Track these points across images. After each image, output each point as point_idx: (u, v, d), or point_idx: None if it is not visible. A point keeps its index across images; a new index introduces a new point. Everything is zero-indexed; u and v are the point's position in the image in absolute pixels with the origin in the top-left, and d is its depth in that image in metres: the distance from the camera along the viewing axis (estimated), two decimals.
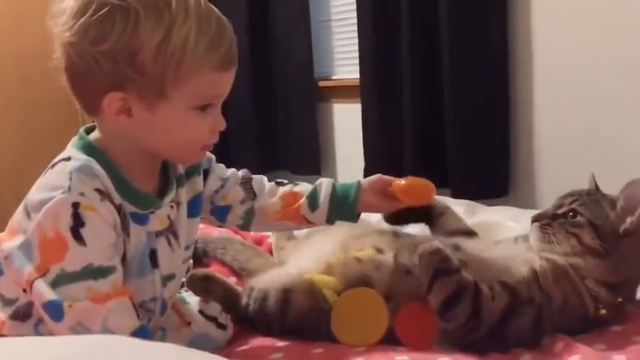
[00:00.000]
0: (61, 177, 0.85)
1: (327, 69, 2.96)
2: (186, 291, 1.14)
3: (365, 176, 2.66)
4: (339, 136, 2.94)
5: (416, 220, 1.19)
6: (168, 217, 0.97)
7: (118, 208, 0.88)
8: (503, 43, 2.21)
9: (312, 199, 1.10)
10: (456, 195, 2.15)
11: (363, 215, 1.15)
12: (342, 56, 2.89)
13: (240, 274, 1.28)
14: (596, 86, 2.04)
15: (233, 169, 1.14)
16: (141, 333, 0.85)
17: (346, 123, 2.85)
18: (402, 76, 2.43)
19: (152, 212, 0.93)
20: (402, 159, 2.49)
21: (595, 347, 0.93)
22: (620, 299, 1.03)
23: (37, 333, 0.90)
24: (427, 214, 1.19)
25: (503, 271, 1.00)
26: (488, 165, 2.26)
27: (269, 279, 1.11)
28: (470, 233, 1.19)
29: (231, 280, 1.24)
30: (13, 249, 0.86)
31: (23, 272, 0.84)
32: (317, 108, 2.94)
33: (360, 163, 2.63)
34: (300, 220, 1.11)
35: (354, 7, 2.60)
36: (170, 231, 0.97)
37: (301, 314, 1.05)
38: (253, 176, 1.15)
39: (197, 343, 1.04)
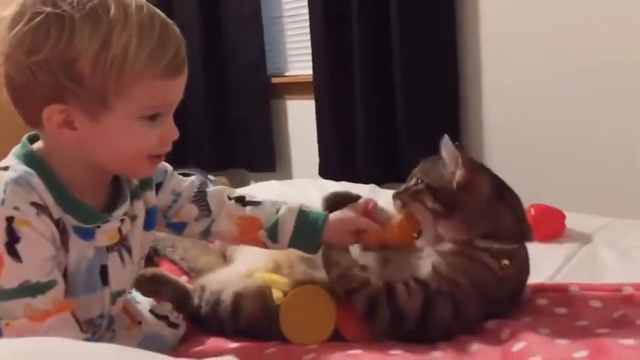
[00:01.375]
0: None
1: (280, 65, 2.95)
2: (136, 290, 1.12)
3: (320, 173, 2.68)
4: (293, 132, 2.93)
5: None
6: (120, 230, 0.93)
7: (57, 222, 0.84)
8: (453, 38, 2.24)
9: (272, 232, 1.07)
10: None
11: (313, 206, 1.14)
12: (295, 52, 2.88)
13: (189, 273, 1.27)
14: (545, 83, 2.08)
15: (191, 180, 1.09)
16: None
17: (300, 119, 2.85)
18: (354, 72, 2.45)
19: (98, 227, 0.89)
20: (355, 155, 2.50)
21: (540, 332, 0.95)
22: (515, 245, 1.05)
23: None
24: None
25: (416, 267, 1.03)
26: None
27: (220, 281, 1.10)
28: None
29: (182, 279, 1.22)
30: None
31: None
32: (270, 105, 2.93)
33: (314, 159, 2.63)
34: (260, 245, 1.09)
35: (306, 3, 2.60)
36: (122, 245, 0.94)
37: (253, 317, 1.05)
38: (209, 189, 1.09)
39: (148, 342, 1.02)
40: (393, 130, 2.37)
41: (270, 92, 2.92)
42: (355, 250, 1.09)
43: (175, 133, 0.89)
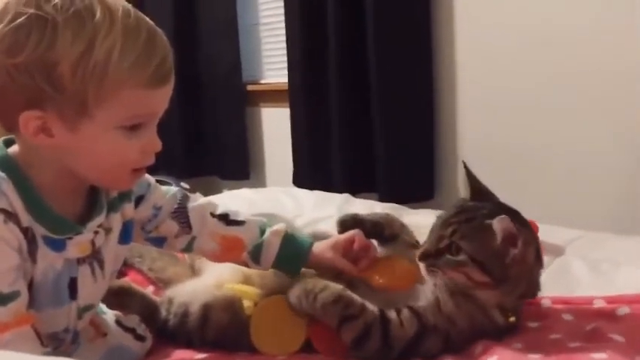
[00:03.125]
0: None
1: (255, 73, 2.93)
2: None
3: (294, 181, 2.66)
4: (267, 140, 2.91)
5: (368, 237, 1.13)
6: (93, 243, 0.89)
7: (25, 231, 0.80)
8: (428, 48, 2.25)
9: (256, 255, 1.06)
10: (383, 199, 2.18)
11: (283, 214, 1.12)
12: (271, 60, 2.87)
13: (156, 283, 1.24)
14: (520, 92, 2.10)
15: (172, 194, 1.05)
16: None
17: (275, 127, 2.83)
18: (329, 81, 2.44)
19: (70, 238, 0.86)
20: (330, 164, 2.49)
21: (513, 347, 0.94)
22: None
23: None
24: (380, 236, 1.14)
25: (413, 295, 1.00)
26: (414, 170, 2.29)
27: (187, 293, 1.08)
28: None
29: (149, 289, 1.20)
30: None
31: None
32: (245, 112, 2.91)
33: (289, 167, 2.62)
34: (242, 264, 1.08)
35: (282, 11, 2.59)
36: (94, 258, 0.90)
37: (222, 328, 1.03)
38: (191, 205, 1.05)
39: (113, 354, 0.99)
40: (369, 140, 2.36)
41: (245, 100, 2.90)
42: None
43: (158, 145, 0.86)
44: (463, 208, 1.01)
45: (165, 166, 3.07)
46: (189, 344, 1.05)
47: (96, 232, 0.89)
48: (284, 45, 2.60)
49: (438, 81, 2.28)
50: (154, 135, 0.86)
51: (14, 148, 0.85)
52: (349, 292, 0.96)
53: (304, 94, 2.54)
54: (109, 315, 1.06)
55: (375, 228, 1.12)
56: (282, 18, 2.60)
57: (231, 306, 1.04)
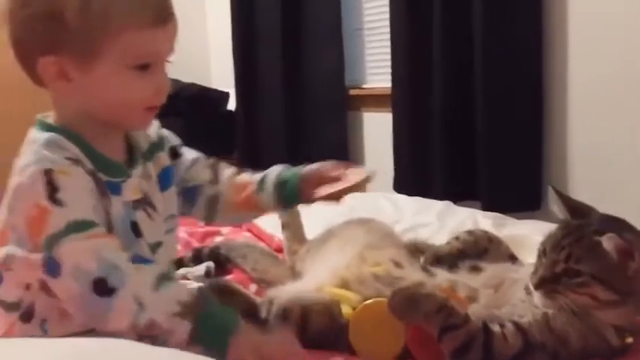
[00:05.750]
0: (28, 155, 0.86)
1: (357, 77, 2.95)
2: None
3: (395, 187, 2.63)
4: (368, 145, 2.91)
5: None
6: (140, 189, 0.96)
7: (92, 173, 0.88)
8: (538, 52, 2.16)
9: (260, 183, 1.10)
10: (486, 207, 2.11)
11: (385, 221, 1.11)
12: (374, 65, 2.87)
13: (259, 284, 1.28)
14: (634, 93, 1.97)
15: (197, 153, 1.13)
16: (140, 260, 0.87)
17: (376, 132, 2.83)
18: (433, 87, 2.40)
19: (124, 181, 0.93)
20: (431, 170, 2.45)
21: None
22: None
23: (44, 332, 0.89)
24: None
25: (516, 310, 0.97)
26: (520, 177, 2.21)
27: (288, 295, 1.10)
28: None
29: (252, 288, 1.23)
30: (10, 248, 0.86)
31: (23, 259, 0.84)
32: (347, 116, 2.93)
33: (389, 172, 2.60)
34: (252, 207, 1.12)
35: (387, 16, 2.58)
36: (146, 203, 0.97)
37: (320, 331, 1.05)
38: (216, 161, 1.14)
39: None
40: (471, 147, 2.31)
41: (347, 104, 2.92)
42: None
43: (167, 85, 0.92)
44: (570, 229, 0.99)
45: (267, 166, 3.16)
46: None
47: (140, 179, 0.96)
48: (387, 50, 2.59)
49: (548, 84, 2.18)
50: (164, 75, 0.93)
51: (50, 119, 0.93)
52: (452, 302, 0.95)
53: (407, 99, 2.52)
54: None
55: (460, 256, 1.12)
56: (387, 22, 2.59)
57: (329, 310, 1.05)
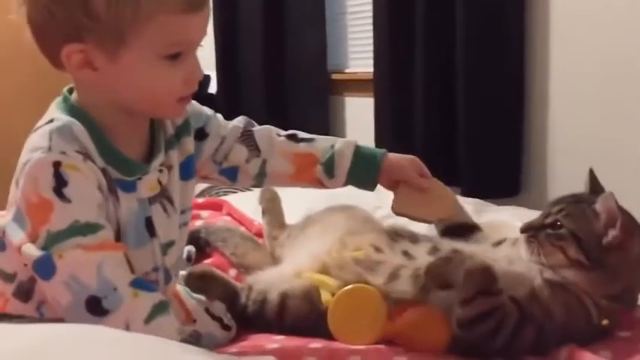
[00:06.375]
0: (42, 137, 0.82)
1: (340, 62, 2.93)
2: (185, 286, 1.12)
3: None
4: (350, 130, 2.91)
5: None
6: (159, 181, 0.92)
7: (103, 171, 0.84)
8: (520, 39, 2.17)
9: (329, 167, 1.03)
10: (466, 193, 2.13)
11: (363, 206, 1.11)
12: (357, 50, 2.86)
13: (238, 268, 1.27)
14: (615, 83, 1.98)
15: (234, 123, 1.06)
16: (140, 284, 0.82)
17: (358, 117, 2.82)
18: (415, 71, 2.40)
19: (139, 178, 0.89)
20: (412, 155, 2.45)
21: (601, 354, 0.91)
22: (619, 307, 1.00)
23: (40, 314, 0.87)
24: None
25: (510, 286, 0.97)
26: (500, 164, 2.22)
27: (267, 281, 1.10)
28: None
29: (232, 273, 1.23)
30: (8, 222, 0.83)
31: (16, 241, 0.81)
32: (329, 100, 2.92)
33: None
34: (316, 183, 1.06)
35: (370, 0, 2.56)
36: (164, 196, 0.93)
37: (299, 317, 1.05)
38: (255, 128, 1.06)
39: (199, 340, 1.01)
40: (453, 134, 2.31)
41: (330, 88, 2.90)
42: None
43: (200, 73, 0.87)
44: (576, 195, 1.03)
45: None
46: (268, 331, 1.06)
47: (160, 171, 0.92)
48: (370, 34, 2.58)
49: (530, 71, 2.18)
50: (196, 63, 0.87)
51: (74, 96, 0.88)
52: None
53: (389, 83, 2.51)
54: (199, 302, 1.09)
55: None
56: (370, 7, 2.57)
57: (308, 295, 1.05)
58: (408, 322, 0.97)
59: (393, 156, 1.05)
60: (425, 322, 0.97)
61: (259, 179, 1.06)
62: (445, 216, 1.01)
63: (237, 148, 1.04)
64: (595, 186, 1.06)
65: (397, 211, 1.01)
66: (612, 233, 0.94)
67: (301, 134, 1.07)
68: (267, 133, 1.06)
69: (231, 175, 1.05)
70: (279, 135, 1.07)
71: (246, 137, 1.05)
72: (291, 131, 1.08)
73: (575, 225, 0.97)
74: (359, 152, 1.04)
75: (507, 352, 0.93)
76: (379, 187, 1.05)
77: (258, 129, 1.06)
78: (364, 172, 1.03)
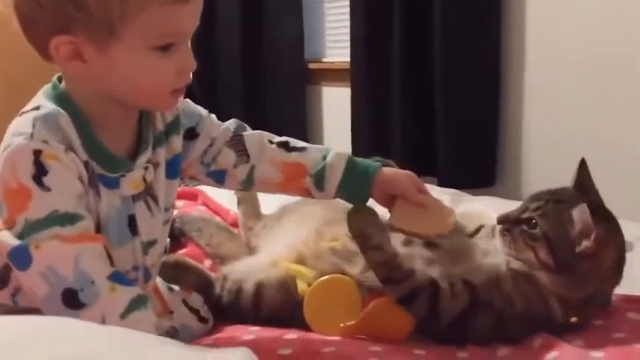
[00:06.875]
0: (26, 123, 0.80)
1: (317, 51, 2.92)
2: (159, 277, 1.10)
3: None
4: (327, 119, 2.90)
5: None
6: (144, 179, 0.90)
7: (85, 164, 0.82)
8: (497, 30, 2.18)
9: (319, 179, 1.01)
10: (443, 184, 2.14)
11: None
12: (334, 39, 2.84)
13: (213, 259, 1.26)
14: (587, 76, 2.01)
15: (225, 126, 1.04)
16: (118, 278, 0.79)
17: (335, 107, 2.81)
18: (392, 61, 2.40)
19: (123, 175, 0.87)
20: (389, 146, 2.46)
21: (574, 343, 0.91)
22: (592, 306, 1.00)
23: (14, 303, 0.85)
24: None
25: (472, 270, 0.99)
26: (475, 155, 2.24)
27: (242, 271, 1.09)
28: None
29: (206, 264, 1.21)
30: None
31: None
32: (306, 90, 2.90)
33: (347, 148, 2.60)
34: (305, 193, 1.04)
35: None
36: (148, 194, 0.91)
37: (274, 307, 1.04)
38: (246, 133, 1.04)
39: (176, 332, 1.00)
40: (431, 123, 2.32)
41: (307, 77, 2.89)
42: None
43: (192, 64, 0.85)
44: (560, 192, 1.01)
45: None
46: (243, 321, 1.06)
47: (145, 168, 0.90)
48: (348, 24, 2.57)
49: (506, 63, 2.20)
50: (189, 55, 0.85)
51: (63, 85, 0.86)
52: (401, 259, 0.96)
53: (366, 73, 2.50)
54: (176, 294, 1.07)
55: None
56: None
57: (284, 285, 1.04)
58: (368, 314, 0.97)
59: (389, 170, 1.02)
60: (385, 312, 0.97)
61: (247, 185, 1.04)
62: (444, 231, 0.99)
63: (226, 152, 1.02)
64: (583, 179, 1.04)
65: (395, 226, 0.99)
66: (586, 244, 0.93)
67: (294, 142, 1.05)
68: (258, 138, 1.04)
69: (218, 178, 1.04)
70: (272, 142, 1.04)
71: (236, 142, 1.03)
72: (284, 138, 1.06)
73: (549, 227, 0.95)
74: (351, 166, 1.02)
75: (465, 334, 0.94)
76: None
77: (249, 134, 1.04)
78: (356, 186, 1.01)
